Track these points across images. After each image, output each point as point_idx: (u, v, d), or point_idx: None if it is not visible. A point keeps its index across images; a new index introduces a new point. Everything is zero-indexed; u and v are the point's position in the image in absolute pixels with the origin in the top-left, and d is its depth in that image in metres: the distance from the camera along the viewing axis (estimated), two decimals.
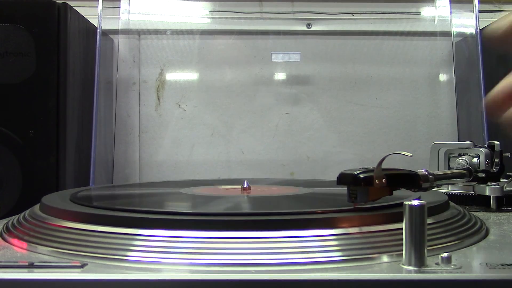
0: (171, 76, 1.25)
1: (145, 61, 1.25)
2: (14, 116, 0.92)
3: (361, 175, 0.53)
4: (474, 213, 0.67)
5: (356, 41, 1.26)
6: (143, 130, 1.24)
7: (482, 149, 0.81)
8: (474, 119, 1.17)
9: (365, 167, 0.55)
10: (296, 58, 1.25)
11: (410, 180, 0.58)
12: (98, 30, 1.11)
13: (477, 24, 1.13)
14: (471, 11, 1.16)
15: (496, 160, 0.81)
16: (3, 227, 0.59)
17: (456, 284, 0.42)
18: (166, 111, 1.24)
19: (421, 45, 1.26)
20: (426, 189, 0.59)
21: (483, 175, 0.81)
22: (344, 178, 0.54)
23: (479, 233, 0.57)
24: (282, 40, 1.26)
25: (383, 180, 0.54)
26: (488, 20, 1.20)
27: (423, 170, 0.60)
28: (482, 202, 0.78)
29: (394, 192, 0.58)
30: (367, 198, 0.54)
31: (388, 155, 0.55)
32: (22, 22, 0.93)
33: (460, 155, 0.84)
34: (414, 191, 0.60)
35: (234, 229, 0.48)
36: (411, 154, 0.55)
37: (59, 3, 0.97)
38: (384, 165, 0.55)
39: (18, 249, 0.52)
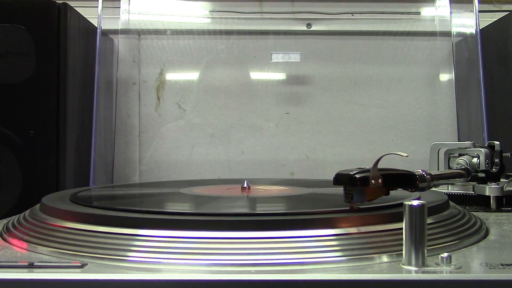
0: (171, 76, 1.25)
1: (145, 61, 1.25)
2: (14, 116, 0.92)
3: (357, 175, 0.53)
4: (474, 213, 0.67)
5: (356, 41, 1.26)
6: (143, 130, 1.24)
7: (482, 149, 0.81)
8: (474, 119, 1.17)
9: (362, 167, 0.55)
10: (296, 58, 1.25)
11: (407, 180, 0.58)
12: (98, 30, 1.11)
13: (477, 24, 1.13)
14: (471, 11, 1.16)
15: (496, 160, 0.81)
16: (3, 227, 0.59)
17: (456, 284, 0.42)
18: (166, 111, 1.24)
19: (421, 45, 1.26)
20: (423, 189, 0.59)
21: (483, 175, 0.81)
22: (340, 178, 0.54)
23: (479, 233, 0.57)
24: (282, 40, 1.26)
25: (379, 180, 0.54)
26: (488, 20, 1.20)
27: (420, 170, 0.60)
28: (482, 202, 0.78)
29: (394, 192, 0.58)
30: (363, 198, 0.54)
31: (384, 155, 0.55)
32: (22, 22, 0.93)
33: (460, 155, 0.84)
34: (411, 191, 0.60)
35: (234, 229, 0.48)
36: (406, 155, 0.56)
37: (59, 3, 0.97)
38: (383, 165, 0.55)
39: (18, 249, 0.52)
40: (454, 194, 0.81)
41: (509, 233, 0.60)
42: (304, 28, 1.25)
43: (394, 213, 0.52)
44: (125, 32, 1.24)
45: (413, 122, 1.25)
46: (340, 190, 0.56)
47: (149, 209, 0.56)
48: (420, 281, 0.42)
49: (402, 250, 0.45)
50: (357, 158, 1.22)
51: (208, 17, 1.27)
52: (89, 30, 1.12)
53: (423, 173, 0.59)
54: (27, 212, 0.61)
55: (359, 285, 0.42)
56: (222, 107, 1.24)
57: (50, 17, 0.95)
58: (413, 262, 0.44)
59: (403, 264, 0.45)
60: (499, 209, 0.77)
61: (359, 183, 0.53)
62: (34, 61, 0.93)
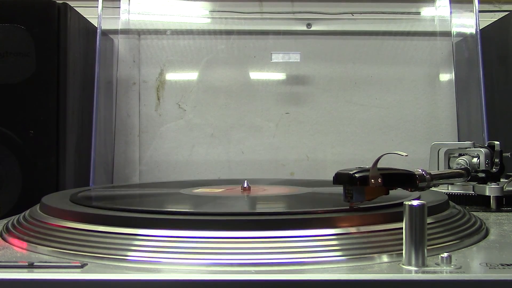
0: (171, 76, 1.25)
1: (145, 61, 1.25)
2: (14, 116, 0.92)
3: (356, 175, 0.53)
4: (474, 213, 0.67)
5: (356, 41, 1.26)
6: (143, 130, 1.24)
7: (482, 149, 0.81)
8: (474, 119, 1.17)
9: (361, 166, 0.55)
10: (296, 58, 1.25)
11: (407, 180, 0.58)
12: (98, 30, 1.11)
13: (477, 24, 1.13)
14: (471, 11, 1.16)
15: (496, 160, 0.81)
16: (3, 227, 0.59)
17: (456, 284, 0.42)
18: (166, 111, 1.24)
19: (421, 45, 1.26)
20: (422, 189, 0.59)
21: (483, 175, 0.81)
22: (340, 178, 0.54)
23: (479, 233, 0.57)
24: (282, 40, 1.26)
25: (379, 180, 0.54)
26: (488, 20, 1.20)
27: (419, 170, 0.60)
28: (482, 202, 0.78)
29: (394, 192, 0.58)
30: (363, 197, 0.54)
31: (383, 155, 0.55)
32: (22, 22, 0.93)
33: (460, 155, 0.84)
34: (411, 191, 0.60)
35: (234, 229, 0.48)
36: (406, 154, 0.55)
37: (59, 3, 0.97)
38: (383, 165, 0.55)
39: (18, 249, 0.52)
40: (454, 194, 0.81)
41: (509, 233, 0.60)
42: (304, 28, 1.25)
43: (394, 213, 0.52)
44: (125, 32, 1.24)
45: (413, 122, 1.25)
46: (340, 190, 0.56)
47: (149, 209, 0.56)
48: (420, 281, 0.42)
49: (402, 250, 0.45)
50: (357, 158, 1.22)
51: (208, 17, 1.27)
52: (89, 30, 1.12)
53: (423, 172, 0.59)
54: (27, 212, 0.61)
55: (359, 285, 0.42)
56: (222, 107, 1.24)
57: (50, 17, 0.95)
58: (413, 262, 0.44)
59: (403, 264, 0.45)
60: (499, 209, 0.77)
61: (358, 182, 0.53)
62: (34, 61, 0.93)
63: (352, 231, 0.49)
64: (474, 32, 1.14)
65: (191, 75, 1.25)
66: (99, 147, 1.10)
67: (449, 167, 0.84)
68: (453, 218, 0.57)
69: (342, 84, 1.25)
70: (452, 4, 1.24)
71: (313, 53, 1.25)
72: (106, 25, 1.16)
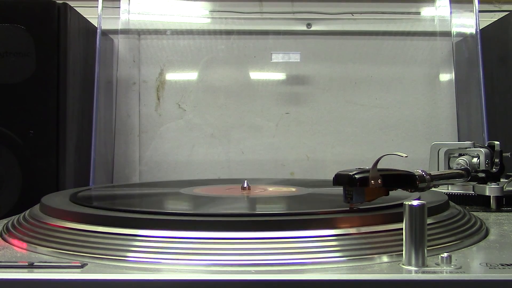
0: (171, 76, 1.25)
1: (145, 61, 1.25)
2: (14, 116, 0.92)
3: (356, 176, 0.53)
4: (474, 213, 0.67)
5: (356, 41, 1.26)
6: (143, 130, 1.24)
7: (482, 149, 0.81)
8: (474, 119, 1.17)
9: (361, 167, 0.55)
10: (296, 58, 1.25)
11: (407, 181, 0.58)
12: (98, 30, 1.11)
13: (477, 24, 1.13)
14: (471, 11, 1.16)
15: (496, 160, 0.81)
16: (3, 227, 0.59)
17: (456, 284, 0.42)
18: (166, 111, 1.24)
19: (421, 45, 1.26)
20: (422, 190, 0.59)
21: (483, 175, 0.81)
22: (340, 179, 0.54)
23: (479, 233, 0.57)
24: (282, 40, 1.26)
25: (379, 181, 0.54)
26: (488, 20, 1.20)
27: (419, 170, 0.60)
28: (482, 202, 0.78)
29: (394, 192, 0.58)
30: (363, 198, 0.54)
31: (383, 156, 0.55)
32: (22, 22, 0.93)
33: (460, 155, 0.84)
34: (411, 192, 0.60)
35: (234, 230, 0.48)
36: (406, 155, 0.55)
37: (59, 3, 0.97)
38: (383, 166, 0.55)
39: (18, 249, 0.52)
40: (454, 194, 0.81)
41: (509, 233, 0.60)
42: (304, 28, 1.25)
43: (394, 213, 0.52)
44: (125, 32, 1.24)
45: (413, 122, 1.25)
46: (340, 190, 0.56)
47: (149, 209, 0.56)
48: (420, 281, 0.42)
49: (402, 250, 0.45)
50: (357, 158, 1.22)
51: (208, 17, 1.27)
52: (89, 30, 1.12)
53: (423, 173, 0.59)
54: (27, 212, 0.61)
55: (359, 285, 0.42)
56: (222, 107, 1.24)
57: (50, 17, 0.95)
58: (413, 262, 0.44)
59: (403, 264, 0.45)
60: (499, 209, 0.77)
61: (358, 183, 0.53)
62: (34, 61, 0.93)
63: (352, 232, 0.49)
64: (474, 32, 1.14)
65: (191, 75, 1.26)
66: (99, 147, 1.10)
67: (449, 167, 0.84)
68: (453, 218, 0.57)
69: (342, 84, 1.25)
70: (452, 4, 1.24)
71: (313, 53, 1.25)
72: (106, 25, 1.16)
